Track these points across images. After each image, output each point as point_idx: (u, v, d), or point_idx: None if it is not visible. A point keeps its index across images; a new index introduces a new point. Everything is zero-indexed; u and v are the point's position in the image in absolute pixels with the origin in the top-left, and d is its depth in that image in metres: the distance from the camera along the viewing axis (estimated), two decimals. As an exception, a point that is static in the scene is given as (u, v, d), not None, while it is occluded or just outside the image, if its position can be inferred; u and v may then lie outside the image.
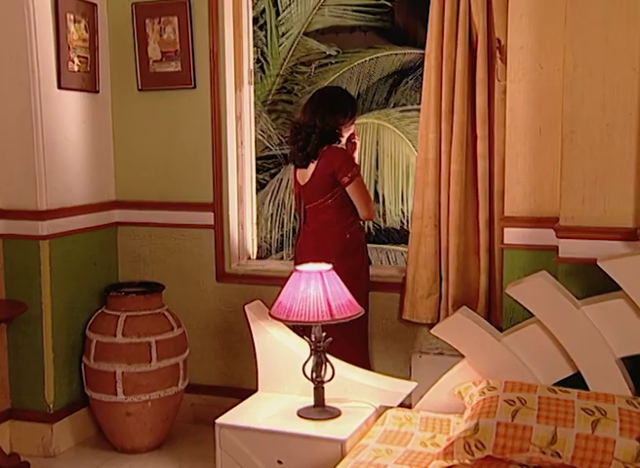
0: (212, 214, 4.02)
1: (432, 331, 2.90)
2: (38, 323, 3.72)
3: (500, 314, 3.33)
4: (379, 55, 8.52)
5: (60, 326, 3.79)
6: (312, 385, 2.96)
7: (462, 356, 3.61)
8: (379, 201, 7.83)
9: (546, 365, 2.76)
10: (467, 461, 2.47)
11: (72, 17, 3.79)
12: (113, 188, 4.20)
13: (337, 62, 7.75)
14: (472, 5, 3.35)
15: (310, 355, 2.92)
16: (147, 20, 3.98)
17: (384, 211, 7.93)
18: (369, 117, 8.17)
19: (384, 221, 7.99)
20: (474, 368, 2.85)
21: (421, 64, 8.39)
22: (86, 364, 3.78)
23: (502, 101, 3.37)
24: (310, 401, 2.98)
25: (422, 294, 3.55)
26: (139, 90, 4.07)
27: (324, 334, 2.89)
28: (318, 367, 2.91)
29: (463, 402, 2.79)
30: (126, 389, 3.65)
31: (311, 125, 3.56)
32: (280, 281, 3.93)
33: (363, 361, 3.55)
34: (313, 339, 2.89)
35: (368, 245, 7.80)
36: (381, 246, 7.91)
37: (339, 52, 7.77)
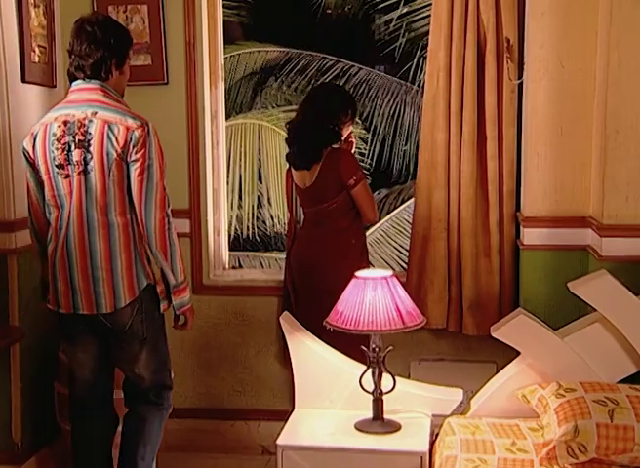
0: (188, 220, 3.68)
1: (494, 334, 2.80)
2: (5, 349, 3.22)
3: (512, 315, 3.29)
4: (240, 51, 8.29)
5: (28, 351, 3.31)
6: (356, 398, 2.82)
7: (470, 361, 3.62)
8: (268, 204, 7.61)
9: (609, 363, 2.76)
10: (568, 466, 2.42)
11: (33, 0, 3.34)
12: (68, 195, 3.74)
13: (195, 58, 7.46)
14: (481, 3, 3.30)
15: (368, 366, 2.75)
16: (110, 8, 3.60)
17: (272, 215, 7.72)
18: (246, 117, 7.90)
19: (273, 226, 7.78)
20: (536, 369, 2.79)
21: (287, 63, 8.29)
22: (62, 393, 3.31)
23: (512, 101, 3.36)
24: (357, 414, 2.83)
25: (433, 299, 3.43)
26: (100, 85, 3.66)
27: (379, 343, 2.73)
28: (378, 378, 2.73)
29: (530, 405, 2.72)
30: (115, 418, 3.24)
31: (312, 124, 3.37)
32: (264, 290, 3.74)
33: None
34: (375, 349, 2.71)
35: (239, 252, 7.52)
36: (255, 253, 7.65)
37: (196, 47, 7.49)
